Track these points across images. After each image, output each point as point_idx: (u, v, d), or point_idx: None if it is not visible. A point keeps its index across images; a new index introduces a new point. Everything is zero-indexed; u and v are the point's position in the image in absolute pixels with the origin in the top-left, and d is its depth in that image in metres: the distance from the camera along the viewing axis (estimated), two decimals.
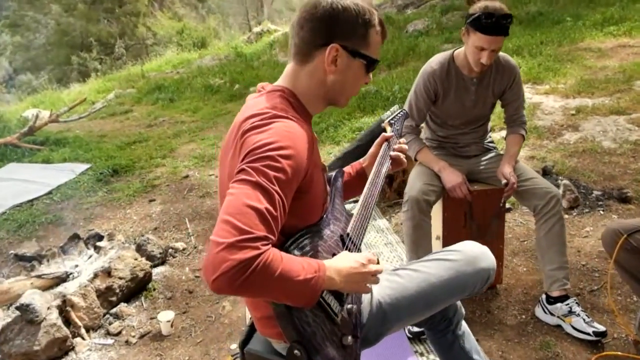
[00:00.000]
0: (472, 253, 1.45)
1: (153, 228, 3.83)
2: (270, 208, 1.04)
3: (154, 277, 3.06)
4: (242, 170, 1.08)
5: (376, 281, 1.23)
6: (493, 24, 2.13)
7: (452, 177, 2.37)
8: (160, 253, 3.24)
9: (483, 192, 2.45)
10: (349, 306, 1.26)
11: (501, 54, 2.40)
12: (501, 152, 2.55)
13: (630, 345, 2.18)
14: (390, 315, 1.38)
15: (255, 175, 1.06)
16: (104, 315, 2.70)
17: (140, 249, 3.23)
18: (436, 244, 2.55)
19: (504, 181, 2.33)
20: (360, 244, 1.36)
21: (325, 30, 1.22)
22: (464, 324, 1.69)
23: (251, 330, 1.54)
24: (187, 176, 4.89)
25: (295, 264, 1.06)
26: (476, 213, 2.48)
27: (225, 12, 26.92)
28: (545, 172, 3.79)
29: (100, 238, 3.26)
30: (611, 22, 7.81)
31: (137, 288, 2.91)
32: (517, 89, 2.45)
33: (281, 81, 1.30)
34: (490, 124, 2.65)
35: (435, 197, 2.37)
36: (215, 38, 19.37)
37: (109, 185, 4.89)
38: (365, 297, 1.37)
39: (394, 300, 1.38)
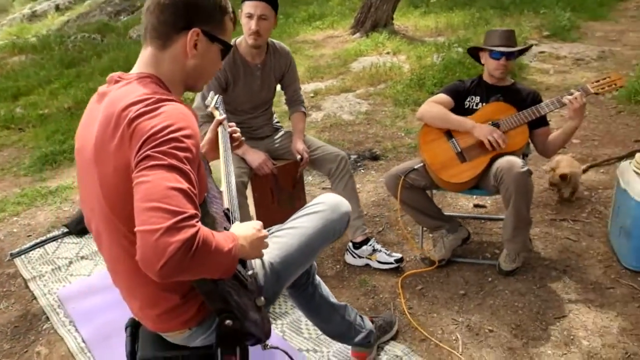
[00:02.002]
0: (334, 202, 1.67)
1: None
2: (190, 187, 1.06)
3: None
4: (147, 157, 1.06)
5: (267, 245, 1.33)
6: None
7: (256, 157, 2.56)
8: None
9: (284, 167, 2.71)
10: (250, 272, 1.34)
11: (275, 41, 2.68)
12: (289, 130, 2.84)
13: (419, 262, 2.74)
14: (282, 273, 1.50)
15: (166, 158, 1.06)
16: None
17: None
18: None
19: (299, 156, 2.63)
20: (238, 216, 1.44)
21: (186, 15, 1.25)
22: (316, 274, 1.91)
23: (133, 339, 1.47)
24: None
25: (220, 236, 1.11)
26: (282, 186, 2.72)
27: None
28: None
29: None
30: (315, 18, 9.02)
31: None
32: (293, 72, 2.76)
33: (142, 68, 1.28)
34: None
35: (247, 178, 2.53)
36: None
37: None
38: (257, 262, 1.46)
39: (282, 259, 1.51)
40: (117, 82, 1.27)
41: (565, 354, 2.06)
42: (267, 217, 2.63)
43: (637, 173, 2.49)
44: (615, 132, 4.17)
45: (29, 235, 3.35)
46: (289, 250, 1.53)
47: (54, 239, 3.22)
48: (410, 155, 4.08)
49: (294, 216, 1.65)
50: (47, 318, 2.55)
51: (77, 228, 3.24)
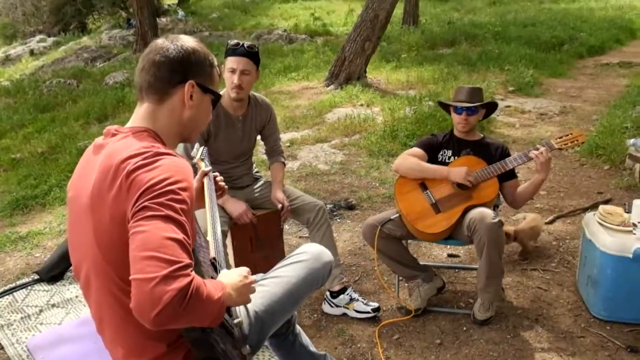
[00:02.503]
0: (316, 251, 1.72)
1: None
2: (185, 237, 1.11)
3: None
4: (144, 208, 1.11)
5: (254, 290, 1.37)
6: (239, 47, 2.52)
7: (236, 206, 2.60)
8: None
9: (264, 216, 2.75)
10: (237, 320, 1.36)
11: (257, 94, 2.78)
12: (268, 180, 2.90)
13: (396, 311, 2.77)
14: (267, 321, 1.52)
15: (163, 209, 1.11)
16: None
17: None
18: None
19: (279, 205, 2.68)
20: (224, 266, 1.47)
21: (181, 70, 1.34)
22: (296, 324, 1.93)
23: None
24: None
25: (210, 285, 1.14)
26: (261, 236, 2.75)
27: None
28: None
29: None
30: (290, 70, 9.27)
31: None
32: (273, 124, 2.85)
33: (138, 122, 1.34)
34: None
35: (227, 227, 2.55)
36: None
37: None
38: (241, 310, 1.49)
39: (267, 307, 1.54)
40: (114, 135, 1.32)
41: None
42: (247, 266, 2.65)
43: (600, 224, 2.62)
44: (579, 184, 4.37)
45: None
46: (273, 298, 1.56)
47: (24, 286, 3.14)
48: (385, 205, 4.17)
49: (277, 265, 1.69)
50: None
51: (48, 275, 3.17)
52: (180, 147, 2.63)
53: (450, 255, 3.36)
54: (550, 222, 3.70)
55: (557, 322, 2.61)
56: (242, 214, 2.59)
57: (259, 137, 2.89)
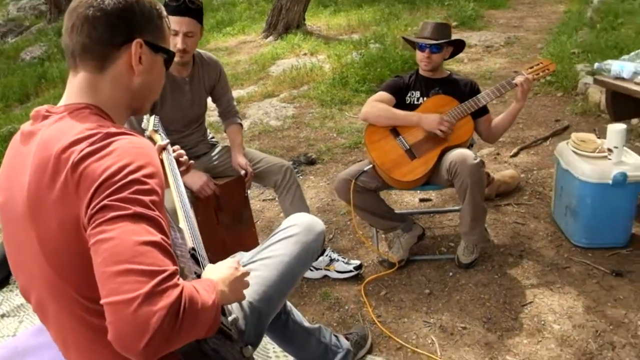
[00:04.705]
0: (306, 223, 1.52)
1: None
2: (164, 237, 0.88)
3: None
4: (104, 208, 0.86)
5: (248, 284, 1.17)
6: (180, 5, 2.17)
7: (195, 178, 2.35)
8: None
9: (227, 185, 2.51)
10: (231, 318, 1.16)
11: (203, 51, 2.49)
12: (226, 144, 2.66)
13: (378, 265, 2.65)
14: (264, 309, 1.33)
15: (129, 206, 0.86)
16: None
17: None
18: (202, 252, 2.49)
19: (242, 171, 2.45)
20: (205, 254, 1.26)
21: (124, 25, 1.05)
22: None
23: None
24: None
25: (201, 288, 0.93)
26: (225, 206, 2.53)
27: None
28: None
29: None
30: (224, 24, 8.78)
31: None
32: (224, 82, 2.58)
33: (75, 97, 1.05)
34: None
35: (190, 203, 2.31)
36: None
37: None
38: (234, 305, 1.28)
39: (262, 295, 1.34)
40: (45, 117, 1.04)
41: (540, 340, 2.05)
42: (214, 240, 2.44)
43: (576, 153, 2.56)
44: (536, 114, 4.35)
45: None
46: (267, 283, 1.36)
47: None
48: (346, 155, 4.01)
49: (265, 244, 1.48)
50: None
51: None
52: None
53: (422, 200, 3.26)
54: (515, 155, 3.66)
55: (541, 255, 2.57)
56: (203, 185, 2.35)
57: (209, 99, 2.61)
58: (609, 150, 2.47)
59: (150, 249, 0.84)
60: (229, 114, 2.65)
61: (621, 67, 2.74)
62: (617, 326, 2.07)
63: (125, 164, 0.90)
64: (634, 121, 3.71)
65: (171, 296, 0.82)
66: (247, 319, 1.30)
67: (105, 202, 0.86)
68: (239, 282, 1.11)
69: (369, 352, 2.08)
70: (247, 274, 1.14)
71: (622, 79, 2.72)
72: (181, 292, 0.84)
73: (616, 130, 2.43)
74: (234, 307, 1.28)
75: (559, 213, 2.74)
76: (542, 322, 2.14)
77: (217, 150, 2.63)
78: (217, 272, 1.08)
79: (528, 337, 2.08)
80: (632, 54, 2.90)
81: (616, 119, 2.85)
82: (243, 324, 1.28)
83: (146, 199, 0.89)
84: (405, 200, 3.28)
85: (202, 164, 2.55)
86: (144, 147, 0.97)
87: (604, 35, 5.40)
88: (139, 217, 0.87)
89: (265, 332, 1.40)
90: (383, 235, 2.81)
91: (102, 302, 0.81)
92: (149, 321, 0.78)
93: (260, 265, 1.41)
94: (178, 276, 0.87)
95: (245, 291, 1.28)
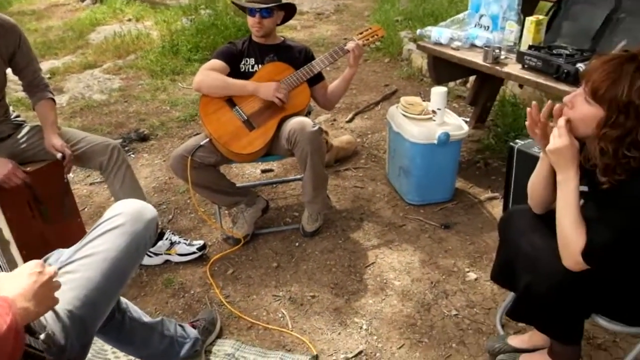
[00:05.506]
0: (133, 209, 1.33)
1: None
2: None
3: None
4: None
5: (59, 285, 0.98)
6: None
7: None
8: None
9: (40, 170, 2.17)
10: (43, 335, 0.96)
11: None
12: (36, 124, 2.28)
13: (223, 243, 2.54)
14: (89, 317, 1.13)
15: None
16: None
17: None
18: (15, 251, 2.12)
19: (59, 155, 2.13)
20: (3, 260, 1.03)
21: None
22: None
23: None
24: None
25: None
26: (42, 196, 2.18)
27: None
28: None
29: None
30: None
31: None
32: (26, 50, 2.19)
33: None
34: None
35: None
36: None
37: None
38: (48, 317, 1.07)
39: (84, 300, 1.13)
40: None
41: (384, 298, 2.14)
42: (31, 238, 2.12)
43: (405, 116, 2.69)
44: (367, 80, 4.52)
45: None
46: (89, 286, 1.16)
47: None
48: (182, 129, 3.78)
49: (85, 239, 1.27)
50: None
51: None
52: None
53: (264, 171, 3.21)
54: (350, 120, 3.77)
55: (380, 216, 2.69)
56: (8, 174, 1.99)
57: (9, 70, 2.21)
58: (433, 112, 2.64)
59: None
60: (36, 88, 2.27)
61: (439, 33, 2.92)
62: (449, 275, 2.25)
63: None
64: (451, 84, 4.05)
65: None
66: (68, 330, 1.10)
67: None
68: (44, 289, 0.92)
69: (219, 336, 1.98)
70: (53, 274, 0.95)
71: (441, 44, 2.90)
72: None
73: (438, 92, 2.59)
74: (48, 319, 1.08)
75: (393, 174, 2.89)
76: (385, 281, 2.24)
77: (24, 131, 2.25)
78: (14, 285, 0.88)
79: (373, 296, 2.15)
80: (448, 20, 3.11)
81: (438, 82, 3.05)
82: (62, 337, 1.08)
83: None
84: (247, 173, 3.19)
85: (6, 148, 2.16)
86: None
87: (421, 4, 5.78)
88: None
89: (94, 338, 1.21)
90: (226, 211, 2.70)
91: None
92: None
93: (79, 266, 1.20)
94: None
95: (64, 298, 1.08)
